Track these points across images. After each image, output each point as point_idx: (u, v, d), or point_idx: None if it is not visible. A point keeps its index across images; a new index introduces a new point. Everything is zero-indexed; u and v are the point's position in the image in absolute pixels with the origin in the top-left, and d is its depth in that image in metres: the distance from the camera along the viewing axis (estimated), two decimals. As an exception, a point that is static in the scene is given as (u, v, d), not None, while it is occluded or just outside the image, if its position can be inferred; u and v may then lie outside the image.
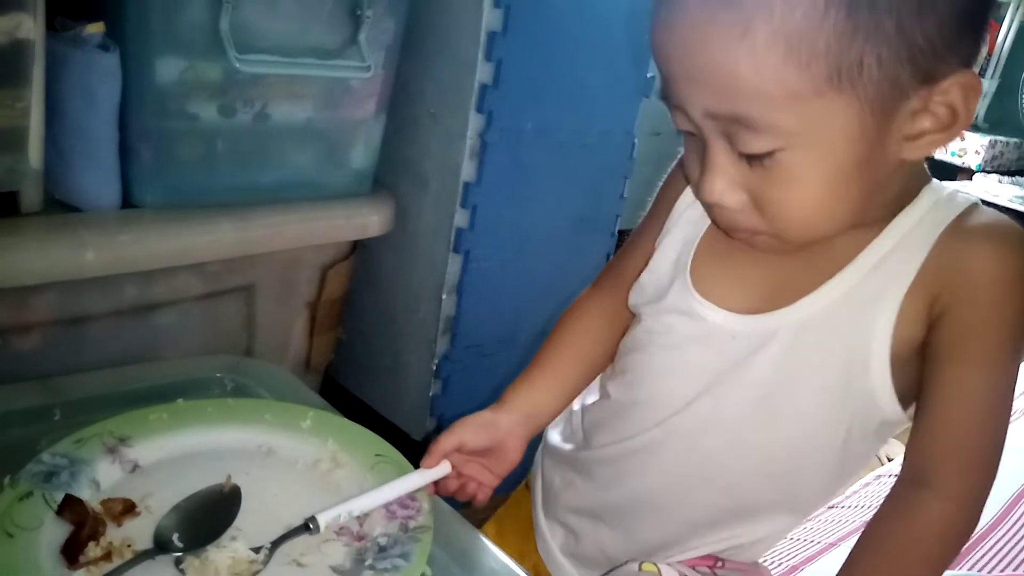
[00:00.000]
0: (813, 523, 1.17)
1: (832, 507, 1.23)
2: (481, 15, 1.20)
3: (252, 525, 0.59)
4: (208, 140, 1.06)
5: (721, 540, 0.65)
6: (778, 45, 0.47)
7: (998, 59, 2.67)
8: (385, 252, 1.41)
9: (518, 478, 0.76)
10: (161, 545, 0.55)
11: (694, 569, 0.65)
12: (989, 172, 2.61)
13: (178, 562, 0.55)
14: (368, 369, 1.51)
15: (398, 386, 1.45)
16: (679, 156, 0.68)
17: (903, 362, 0.56)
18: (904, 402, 0.57)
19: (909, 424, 0.57)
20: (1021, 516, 1.12)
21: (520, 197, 1.37)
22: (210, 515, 0.59)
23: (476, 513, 0.73)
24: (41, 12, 0.87)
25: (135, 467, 0.64)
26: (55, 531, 0.55)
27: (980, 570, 1.00)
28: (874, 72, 0.48)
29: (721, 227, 0.59)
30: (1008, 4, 2.63)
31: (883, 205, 0.57)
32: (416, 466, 0.66)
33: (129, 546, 0.56)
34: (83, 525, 0.55)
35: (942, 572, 0.55)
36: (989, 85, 2.69)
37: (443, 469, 0.66)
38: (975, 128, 2.69)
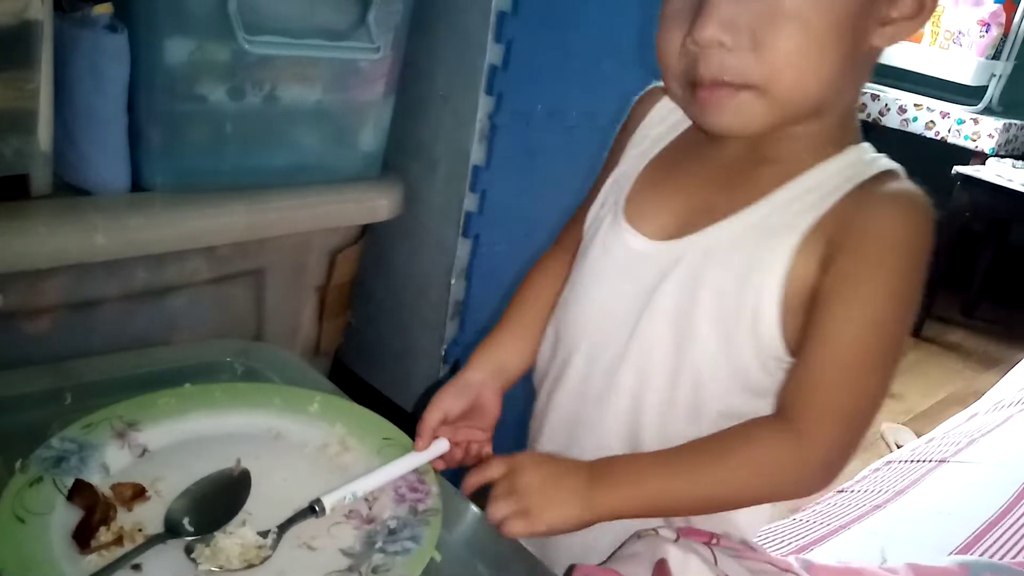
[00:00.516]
0: (821, 506, 1.17)
1: (841, 491, 1.23)
2: (491, -5, 1.19)
3: (262, 509, 0.59)
4: (217, 122, 1.05)
5: None
6: None
7: (1014, 41, 2.63)
8: (394, 236, 1.40)
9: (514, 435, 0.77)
10: (172, 529, 0.56)
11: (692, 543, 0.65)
12: (1003, 156, 2.59)
13: (189, 550, 0.55)
14: (377, 353, 1.51)
15: (407, 371, 1.45)
16: (642, 92, 0.73)
17: (800, 304, 0.57)
18: (793, 347, 0.58)
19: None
20: (1031, 503, 1.12)
21: (530, 181, 1.36)
22: (220, 499, 0.59)
23: (485, 497, 0.73)
24: (49, -7, 0.87)
25: (144, 451, 0.64)
26: (66, 516, 0.56)
27: (991, 557, 1.00)
28: None
29: (707, 79, 0.57)
30: (1025, -15, 2.59)
31: (832, 106, 0.58)
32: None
33: (140, 530, 0.56)
34: (94, 510, 0.56)
35: (768, 501, 0.58)
36: (1004, 67, 2.65)
37: (441, 445, 0.66)
38: (988, 111, 2.66)
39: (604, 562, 0.62)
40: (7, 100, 0.88)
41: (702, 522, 0.63)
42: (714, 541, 0.62)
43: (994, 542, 1.03)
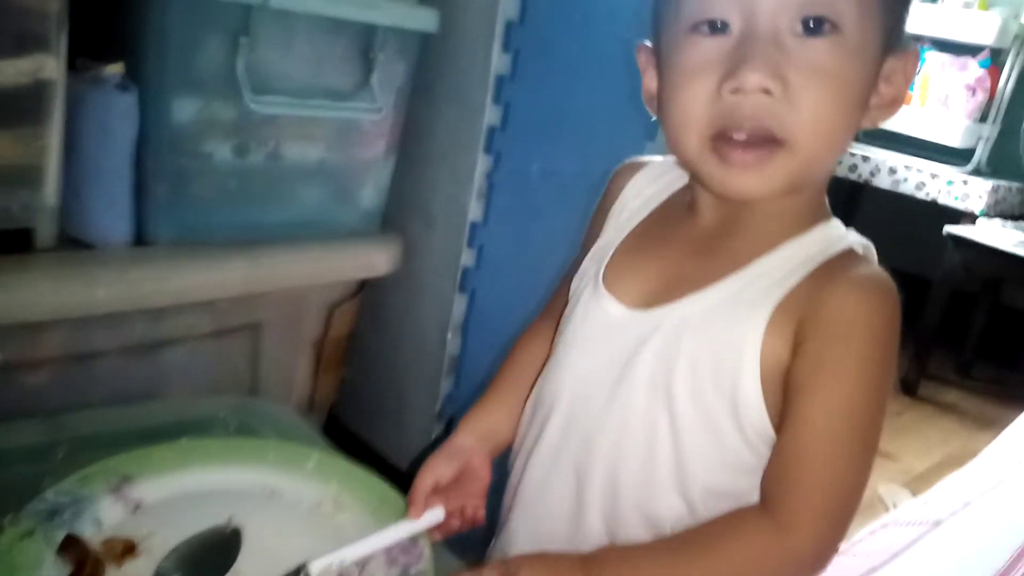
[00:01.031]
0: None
1: (839, 554, 1.22)
2: (490, 59, 1.23)
3: (252, 568, 0.59)
4: (221, 179, 1.07)
5: None
6: None
7: (999, 105, 2.69)
8: (391, 291, 1.41)
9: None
10: (161, 587, 0.55)
11: None
12: (992, 216, 2.62)
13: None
14: (372, 409, 1.50)
15: (402, 427, 1.45)
16: (618, 166, 0.74)
17: (775, 382, 0.57)
18: (776, 425, 0.58)
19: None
20: (1027, 568, 1.11)
21: (527, 237, 1.38)
22: (210, 557, 0.59)
23: (475, 557, 0.73)
24: (63, 54, 0.89)
25: (138, 506, 0.64)
26: (54, 571, 0.55)
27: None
28: (897, 10, 0.57)
29: (730, 142, 0.56)
30: (1008, 50, 2.66)
31: (818, 182, 0.60)
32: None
33: (130, 588, 0.55)
34: (83, 566, 0.55)
35: None
36: (991, 130, 2.71)
37: (436, 514, 0.66)
38: (977, 172, 2.70)
39: None
40: (17, 155, 0.90)
41: None
42: None
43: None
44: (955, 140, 2.69)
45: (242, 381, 1.20)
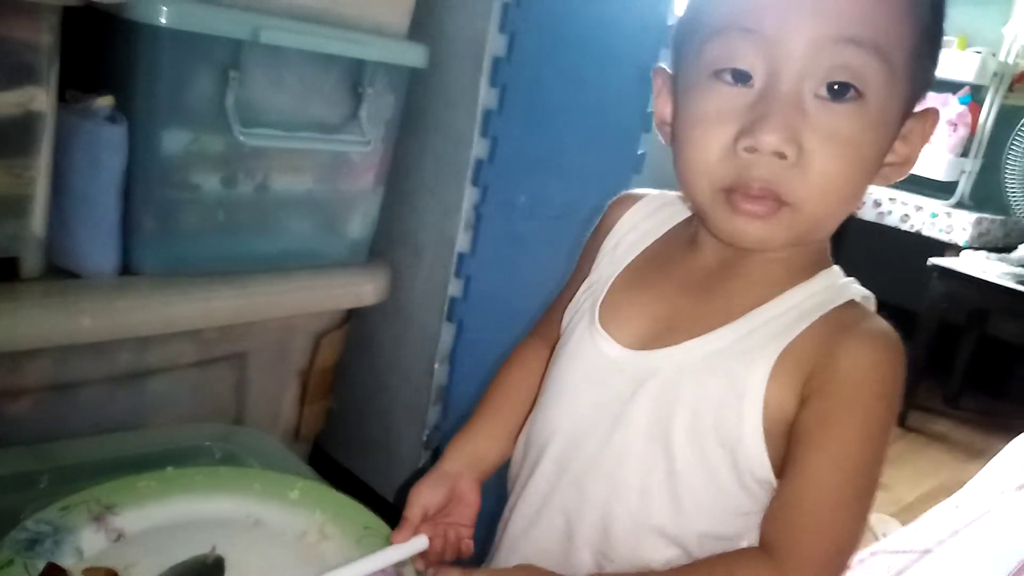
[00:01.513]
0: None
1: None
2: (477, 94, 1.24)
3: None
4: (209, 210, 1.08)
5: None
6: None
7: (980, 140, 2.74)
8: (379, 321, 1.42)
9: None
10: (142, 617, 0.55)
11: None
12: (976, 248, 2.65)
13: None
14: (358, 439, 1.50)
15: (388, 457, 1.44)
16: (614, 198, 0.73)
17: (778, 430, 0.57)
18: (778, 471, 0.58)
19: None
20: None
21: (513, 268, 1.39)
22: (193, 587, 0.59)
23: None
24: (54, 85, 0.90)
25: (120, 536, 0.64)
26: (36, 601, 0.55)
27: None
28: (923, 72, 0.56)
29: (755, 187, 0.55)
30: (988, 87, 2.71)
31: (807, 248, 0.60)
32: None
33: (110, 617, 0.55)
34: (64, 595, 0.55)
35: None
36: (973, 164, 2.75)
37: (420, 542, 0.65)
38: (961, 205, 2.74)
39: None
40: (5, 186, 0.90)
41: None
42: None
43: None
44: (938, 174, 2.73)
45: (228, 410, 1.20)
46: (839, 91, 0.53)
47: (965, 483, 1.66)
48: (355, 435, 1.50)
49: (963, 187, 2.75)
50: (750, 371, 0.57)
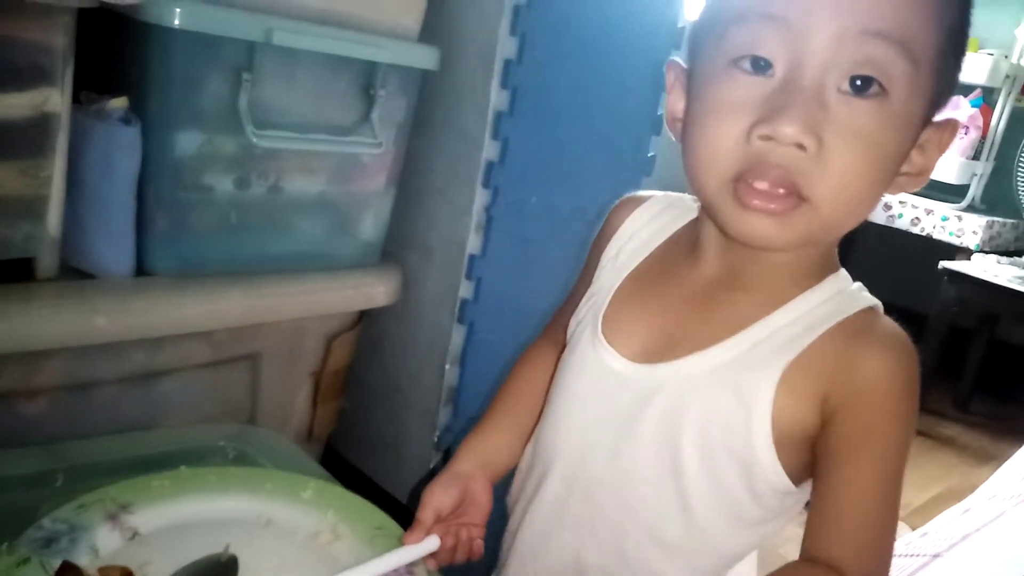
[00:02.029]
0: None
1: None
2: (489, 96, 1.24)
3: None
4: (222, 211, 1.08)
5: None
6: None
7: (992, 142, 2.73)
8: (390, 322, 1.42)
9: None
10: (158, 615, 0.55)
11: None
12: (987, 252, 2.64)
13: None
14: (369, 440, 1.50)
15: (399, 458, 1.44)
16: (617, 202, 0.72)
17: (790, 438, 0.57)
18: (794, 478, 0.58)
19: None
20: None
21: (524, 269, 1.39)
22: (207, 586, 0.59)
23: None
24: (68, 87, 0.91)
25: (135, 534, 0.64)
26: (52, 599, 0.55)
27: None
28: (948, 75, 0.55)
29: (753, 188, 0.53)
30: (1000, 90, 2.70)
31: (813, 253, 0.59)
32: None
33: (126, 615, 0.55)
34: (80, 593, 0.55)
35: None
36: (984, 167, 2.74)
37: (432, 543, 0.65)
38: (972, 209, 2.73)
39: None
40: (21, 187, 0.91)
41: None
42: None
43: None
44: (949, 177, 2.72)
45: (240, 411, 1.20)
46: (862, 86, 0.51)
47: (975, 487, 1.65)
48: (366, 436, 1.50)
49: (974, 190, 2.74)
50: (758, 383, 0.56)
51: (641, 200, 0.71)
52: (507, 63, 1.24)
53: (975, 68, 2.65)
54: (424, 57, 1.20)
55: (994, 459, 2.37)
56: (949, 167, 2.71)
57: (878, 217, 2.78)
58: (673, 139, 0.62)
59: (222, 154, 1.04)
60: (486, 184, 1.28)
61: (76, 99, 0.94)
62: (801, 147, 0.51)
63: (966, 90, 2.73)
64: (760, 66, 0.53)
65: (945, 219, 2.70)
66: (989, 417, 2.83)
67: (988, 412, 2.86)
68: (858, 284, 0.61)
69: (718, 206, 0.56)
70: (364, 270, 1.29)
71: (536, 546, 0.66)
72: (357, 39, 1.11)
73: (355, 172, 1.20)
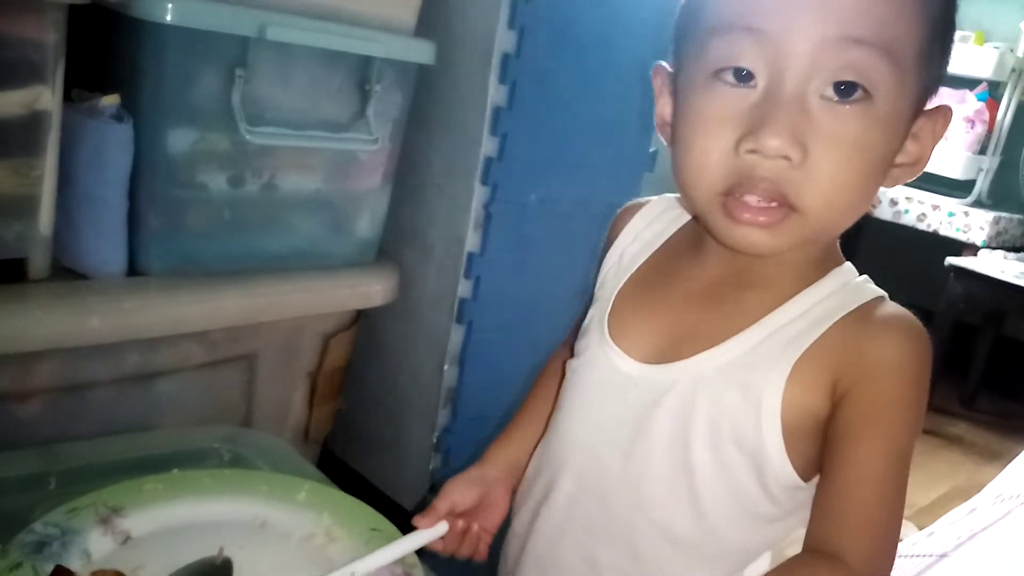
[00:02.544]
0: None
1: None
2: (487, 91, 1.23)
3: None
4: (216, 209, 1.07)
5: None
6: None
7: (998, 137, 2.72)
8: (388, 322, 1.41)
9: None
10: (148, 620, 0.54)
11: None
12: (994, 248, 2.62)
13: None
14: (367, 441, 1.49)
15: (397, 459, 1.44)
16: (621, 208, 0.72)
17: (801, 432, 0.56)
18: (804, 473, 0.57)
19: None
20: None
21: (524, 268, 1.38)
22: (200, 589, 0.58)
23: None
24: (60, 84, 0.90)
25: (127, 538, 0.64)
26: (43, 604, 0.55)
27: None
28: (935, 65, 0.55)
29: (741, 202, 0.54)
30: (1006, 83, 2.68)
31: (816, 248, 0.59)
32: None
33: (115, 620, 0.55)
34: (71, 598, 0.55)
35: None
36: (991, 162, 2.73)
37: (440, 529, 0.66)
38: (978, 204, 2.72)
39: None
40: (12, 186, 0.90)
41: None
42: None
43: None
44: (955, 172, 2.71)
45: (236, 412, 1.20)
46: (845, 91, 0.51)
47: (982, 486, 1.64)
48: (364, 437, 1.49)
49: (980, 185, 2.73)
50: (766, 380, 0.56)
51: (641, 205, 0.72)
52: (505, 57, 1.23)
53: (981, 62, 2.64)
54: (420, 51, 1.19)
55: (1001, 457, 2.35)
56: (955, 162, 2.70)
57: (884, 213, 2.77)
58: (664, 143, 0.63)
59: (215, 151, 1.03)
60: (485, 181, 1.27)
61: (67, 96, 0.93)
62: (787, 158, 0.52)
63: (972, 84, 2.71)
64: (742, 77, 0.53)
65: (951, 215, 2.68)
66: (995, 414, 2.81)
67: (995, 409, 2.84)
68: (864, 276, 0.61)
69: (708, 218, 0.57)
70: (361, 269, 1.28)
71: (549, 549, 0.66)
72: (352, 33, 1.10)
73: (351, 169, 1.19)
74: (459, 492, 0.68)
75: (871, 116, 0.52)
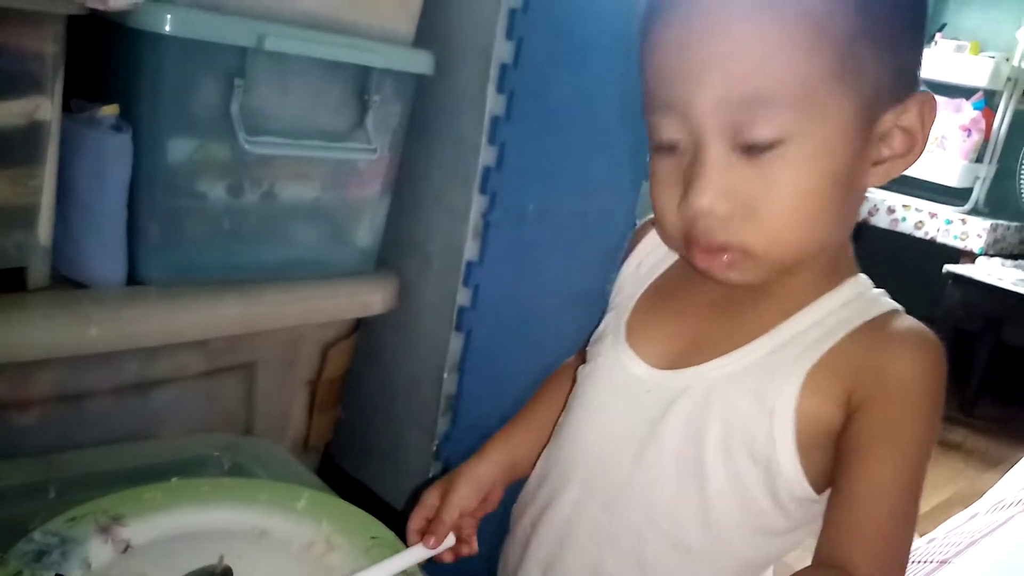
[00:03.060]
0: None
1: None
2: (485, 100, 1.24)
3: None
4: (215, 219, 1.08)
5: None
6: (794, 23, 0.50)
7: (995, 145, 2.73)
8: (387, 330, 1.41)
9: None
10: (148, 628, 0.54)
11: None
12: (991, 255, 2.63)
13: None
14: (367, 449, 1.49)
15: (397, 467, 1.43)
16: (642, 221, 0.73)
17: (814, 443, 0.56)
18: (816, 485, 0.57)
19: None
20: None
21: (523, 276, 1.38)
22: (200, 597, 0.58)
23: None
24: (59, 95, 0.90)
25: (127, 547, 0.64)
26: (42, 613, 0.55)
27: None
28: (872, 72, 0.52)
29: (698, 248, 0.57)
30: (1001, 92, 2.70)
31: (829, 246, 0.58)
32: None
33: (115, 629, 0.54)
34: (70, 607, 0.55)
35: None
36: (987, 170, 2.74)
37: (449, 541, 0.66)
38: (975, 212, 2.72)
39: None
40: (11, 196, 0.90)
41: None
42: None
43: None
44: (952, 180, 2.72)
45: (236, 421, 1.19)
46: (757, 147, 0.52)
47: (982, 492, 1.64)
48: (364, 445, 1.49)
49: (977, 193, 2.74)
50: (780, 388, 0.56)
51: None
52: (503, 67, 1.23)
53: (977, 71, 2.65)
54: (419, 62, 1.20)
55: (1001, 463, 2.35)
56: (952, 170, 2.71)
57: (881, 221, 2.77)
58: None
59: (214, 161, 1.04)
60: (483, 190, 1.28)
61: (66, 107, 0.93)
62: (717, 215, 0.54)
63: (968, 93, 2.73)
64: (671, 147, 0.56)
65: (949, 222, 2.69)
66: (995, 421, 2.81)
67: (994, 415, 2.84)
68: (880, 290, 0.61)
69: (684, 256, 0.60)
70: (360, 278, 1.28)
71: (552, 556, 0.66)
72: (350, 44, 1.10)
73: (350, 178, 1.20)
74: (466, 500, 0.68)
75: (795, 156, 0.52)
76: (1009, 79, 2.67)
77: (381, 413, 1.46)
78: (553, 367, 1.47)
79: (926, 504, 2.16)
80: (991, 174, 2.75)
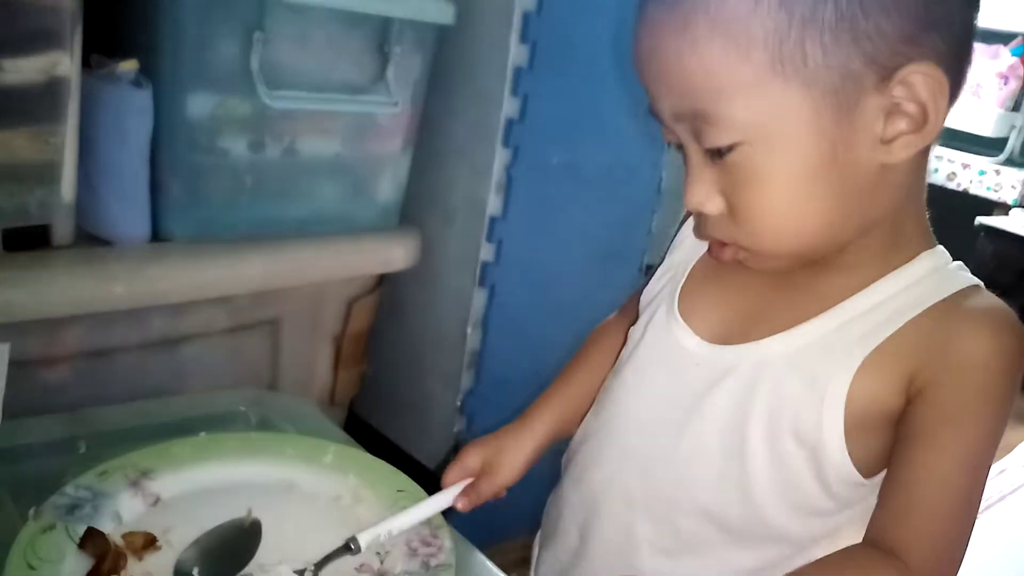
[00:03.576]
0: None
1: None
2: (507, 51, 1.22)
3: (272, 560, 0.58)
4: (237, 174, 1.07)
5: None
6: (716, 35, 0.49)
7: (1031, 93, 2.65)
8: (410, 286, 1.41)
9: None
10: (181, 579, 0.55)
11: None
12: (1026, 207, 2.57)
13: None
14: (392, 404, 1.50)
15: (422, 422, 1.44)
16: None
17: (865, 426, 0.54)
18: (866, 468, 0.55)
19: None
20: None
21: (546, 231, 1.37)
22: (230, 549, 0.59)
23: (501, 555, 0.72)
24: (78, 50, 0.89)
25: (157, 500, 0.64)
26: (76, 564, 0.56)
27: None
28: (819, 60, 0.49)
29: (705, 241, 0.59)
30: (1041, 38, 2.61)
31: (871, 225, 0.55)
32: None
33: (149, 580, 0.55)
34: (104, 559, 0.56)
35: None
36: (1023, 120, 2.66)
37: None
38: (1010, 162, 2.66)
39: None
40: (33, 153, 0.90)
41: None
42: None
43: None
44: (987, 129, 2.64)
45: (262, 376, 1.20)
46: (716, 151, 0.52)
47: (1012, 447, 1.62)
48: (389, 400, 1.50)
49: (1013, 143, 2.66)
50: (834, 370, 0.54)
51: None
52: (526, 16, 1.20)
53: (1015, 14, 2.56)
54: (439, 12, 1.18)
55: (1030, 418, 2.33)
56: (986, 119, 2.64)
57: (911, 172, 2.71)
58: None
59: (235, 116, 1.03)
60: (506, 143, 1.26)
61: (86, 62, 0.93)
62: (705, 212, 0.55)
63: (1006, 38, 2.64)
64: (678, 145, 0.56)
65: (982, 173, 2.63)
66: (1025, 375, 2.78)
67: (1024, 370, 2.81)
68: (958, 263, 0.58)
69: None
70: (383, 233, 1.28)
71: (588, 516, 0.66)
72: (370, -7, 1.08)
73: (371, 132, 1.19)
74: (508, 478, 0.69)
75: (756, 154, 0.51)
76: (1049, 23, 2.58)
77: (405, 369, 1.46)
78: (576, 323, 1.46)
79: (953, 458, 2.14)
80: (1025, 123, 2.68)
